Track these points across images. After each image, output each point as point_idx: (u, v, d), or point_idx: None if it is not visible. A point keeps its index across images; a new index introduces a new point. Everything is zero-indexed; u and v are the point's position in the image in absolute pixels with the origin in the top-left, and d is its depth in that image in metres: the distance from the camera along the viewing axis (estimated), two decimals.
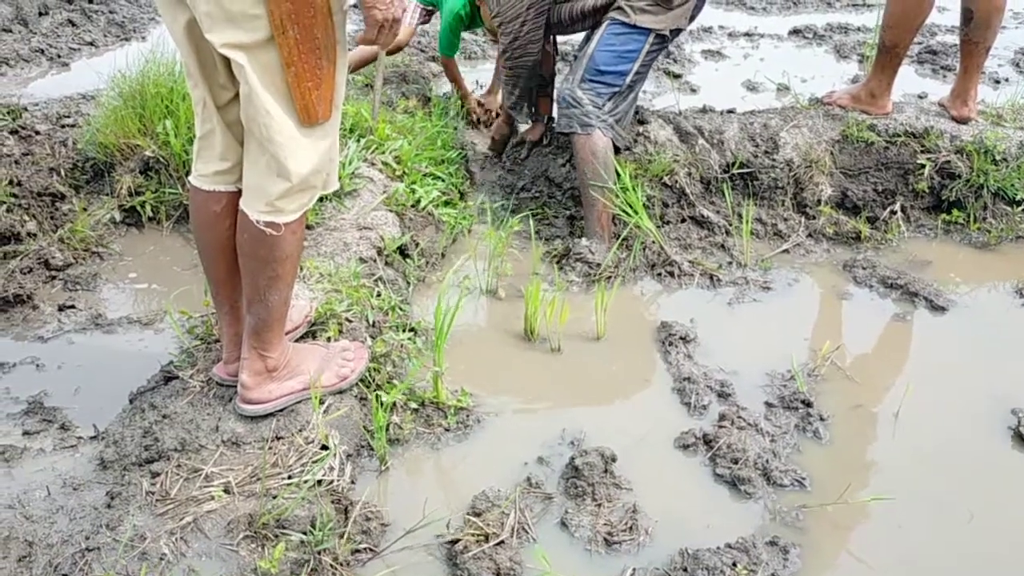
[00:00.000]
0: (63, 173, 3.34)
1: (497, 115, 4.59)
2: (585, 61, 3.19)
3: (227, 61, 1.82)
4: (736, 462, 2.22)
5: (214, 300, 2.18)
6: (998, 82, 4.97)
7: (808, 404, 2.44)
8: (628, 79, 3.19)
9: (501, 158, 3.95)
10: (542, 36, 3.42)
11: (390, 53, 4.48)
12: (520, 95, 3.64)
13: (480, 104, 4.57)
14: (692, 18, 3.28)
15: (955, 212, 3.41)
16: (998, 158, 3.38)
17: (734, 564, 1.88)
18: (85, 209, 3.24)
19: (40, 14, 5.64)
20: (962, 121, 3.54)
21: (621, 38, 3.15)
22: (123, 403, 2.31)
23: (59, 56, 5.11)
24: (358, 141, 3.41)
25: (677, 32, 3.28)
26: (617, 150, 3.29)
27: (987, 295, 3.08)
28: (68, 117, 3.79)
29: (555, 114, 3.54)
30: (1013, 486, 2.23)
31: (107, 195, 3.32)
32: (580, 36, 3.44)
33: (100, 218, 3.23)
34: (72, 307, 2.81)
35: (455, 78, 4.55)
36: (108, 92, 3.42)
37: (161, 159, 3.24)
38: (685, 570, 1.88)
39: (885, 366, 2.73)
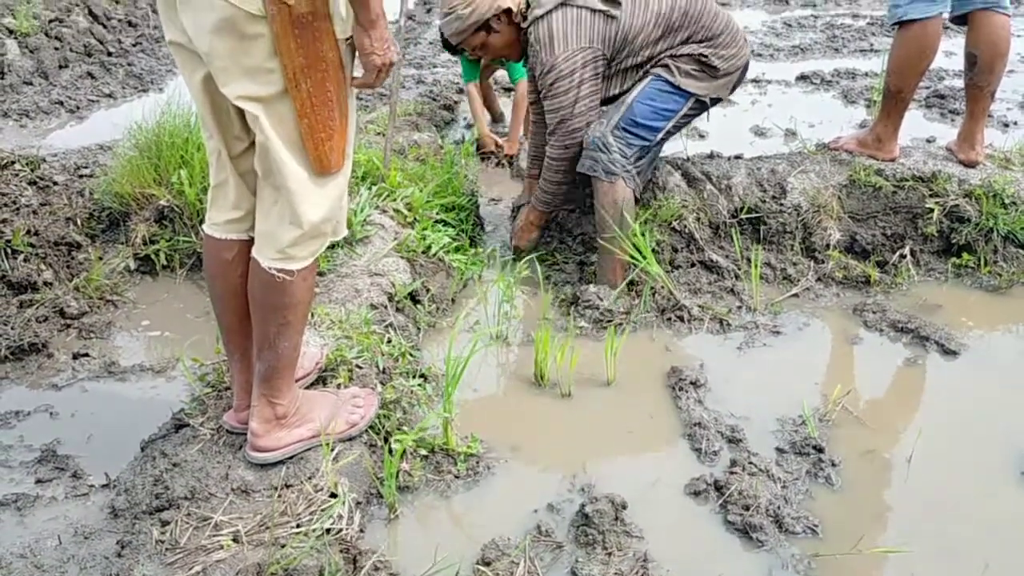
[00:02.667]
0: (79, 223, 3.40)
1: (511, 160, 4.64)
2: (623, 109, 3.16)
3: (241, 113, 1.87)
4: (747, 509, 2.20)
5: (225, 347, 2.20)
6: (1007, 126, 4.99)
7: (820, 449, 2.43)
8: (659, 136, 3.22)
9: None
10: (598, 105, 3.22)
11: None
12: (565, 184, 3.33)
13: (497, 143, 4.65)
14: (732, 89, 3.31)
15: (965, 256, 3.41)
16: (1007, 202, 3.39)
17: None
18: (100, 258, 3.29)
19: (60, 67, 5.78)
20: (970, 165, 3.55)
21: (663, 96, 3.17)
22: (135, 451, 2.32)
23: (78, 108, 5.22)
24: (370, 188, 3.46)
25: (716, 101, 3.30)
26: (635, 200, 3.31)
27: (999, 339, 3.06)
28: (85, 168, 3.86)
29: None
30: None
31: (122, 244, 3.37)
32: None
33: (115, 267, 3.27)
34: (86, 355, 2.84)
35: (474, 109, 4.67)
36: (125, 143, 3.49)
37: (176, 208, 3.30)
38: None
39: (897, 411, 2.71)
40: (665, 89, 3.18)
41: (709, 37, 3.17)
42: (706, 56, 3.16)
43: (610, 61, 3.19)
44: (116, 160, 3.51)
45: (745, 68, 3.31)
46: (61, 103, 5.20)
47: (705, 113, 3.35)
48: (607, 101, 3.31)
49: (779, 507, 2.20)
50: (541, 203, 3.42)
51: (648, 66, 3.22)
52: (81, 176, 3.75)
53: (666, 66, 3.18)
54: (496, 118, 5.22)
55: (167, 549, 1.91)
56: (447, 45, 3.43)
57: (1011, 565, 2.07)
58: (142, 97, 5.50)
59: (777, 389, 2.75)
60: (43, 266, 3.17)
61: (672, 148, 3.96)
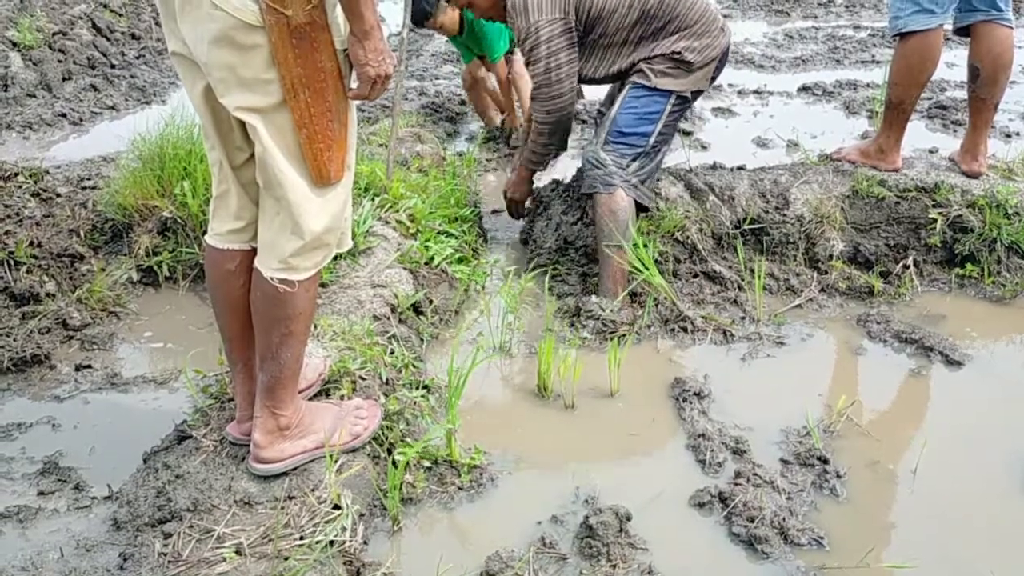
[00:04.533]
0: (82, 234, 3.40)
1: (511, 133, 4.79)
2: (608, 124, 3.26)
3: (242, 124, 1.87)
4: (752, 520, 2.19)
5: (228, 358, 2.20)
6: (1009, 136, 4.99)
7: (825, 461, 2.42)
8: (652, 140, 3.25)
9: (520, 219, 3.91)
10: (576, 72, 3.32)
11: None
12: (551, 145, 3.48)
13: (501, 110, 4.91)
14: (712, 80, 3.34)
15: (969, 266, 3.40)
16: (1010, 212, 3.38)
17: None
18: (103, 269, 3.29)
19: (63, 79, 5.79)
20: (973, 176, 3.55)
21: (642, 100, 3.22)
22: (137, 462, 2.31)
23: (81, 120, 5.23)
24: (372, 200, 3.46)
25: (699, 93, 3.36)
26: (643, 209, 3.32)
27: (1003, 349, 3.05)
28: (88, 179, 3.87)
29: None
30: None
31: (125, 255, 3.37)
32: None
33: (118, 278, 3.27)
34: (89, 367, 2.83)
35: (476, 100, 4.79)
36: (128, 155, 3.50)
37: (178, 220, 3.30)
38: None
39: (901, 421, 2.70)
40: (643, 94, 3.24)
41: (684, 27, 3.21)
42: (679, 52, 3.20)
43: (585, 35, 3.28)
44: (119, 172, 3.52)
45: (724, 55, 3.32)
46: (64, 115, 5.22)
47: (690, 109, 3.44)
48: (594, 81, 3.41)
49: (784, 519, 2.19)
50: (530, 163, 3.60)
51: (627, 72, 3.30)
52: (84, 188, 3.76)
53: (640, 71, 3.25)
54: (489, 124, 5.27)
55: (170, 561, 1.90)
56: (419, 15, 3.80)
57: None
58: (145, 109, 5.51)
59: (781, 400, 2.74)
60: (46, 277, 3.16)
61: (674, 159, 3.96)
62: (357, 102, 1.98)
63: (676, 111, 3.28)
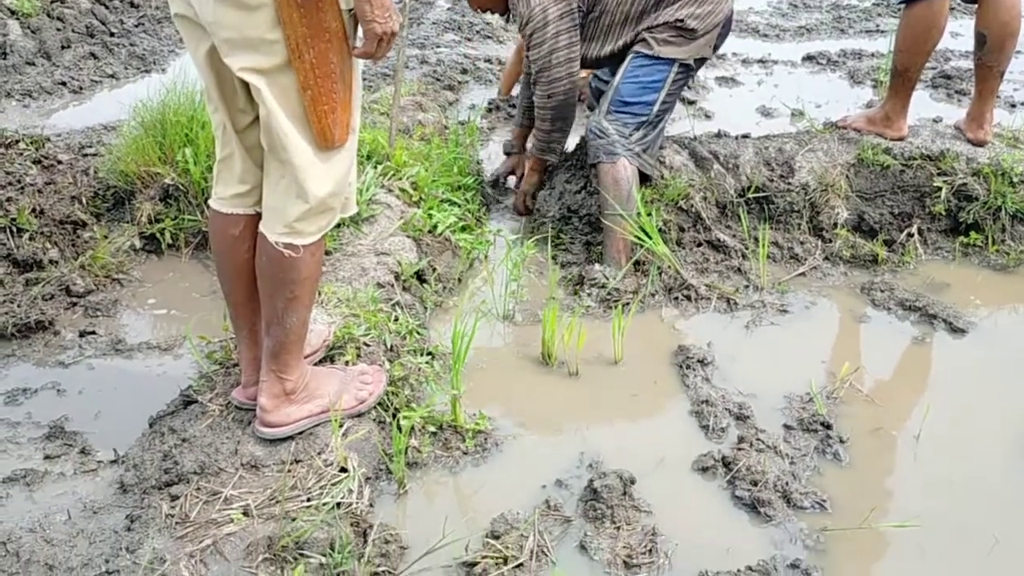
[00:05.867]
0: (84, 201, 3.38)
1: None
2: (611, 94, 3.24)
3: (246, 86, 1.86)
4: (755, 484, 2.20)
5: (233, 324, 2.20)
6: (1014, 106, 4.97)
7: (828, 426, 2.43)
8: (656, 108, 3.23)
9: (528, 214, 3.71)
10: (578, 56, 3.30)
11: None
12: (555, 132, 3.43)
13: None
14: (716, 47, 3.31)
15: (973, 234, 3.40)
16: (1015, 180, 3.37)
17: None
18: (106, 236, 3.28)
19: (63, 47, 5.74)
20: (978, 144, 3.54)
21: (645, 69, 3.20)
22: (143, 427, 2.32)
23: (81, 88, 5.19)
24: (375, 167, 3.44)
25: (702, 61, 3.33)
26: (646, 179, 3.31)
27: (1007, 317, 3.06)
28: (90, 147, 3.85)
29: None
30: None
31: (127, 222, 3.36)
32: None
33: (120, 245, 3.26)
34: (93, 333, 2.83)
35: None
36: (129, 121, 3.47)
37: (181, 186, 3.28)
38: None
39: (905, 388, 2.71)
40: (646, 63, 3.21)
41: None
42: (682, 20, 3.17)
43: (586, 15, 3.27)
44: (120, 139, 3.50)
45: (727, 22, 3.29)
46: (64, 83, 5.17)
47: (692, 77, 3.44)
48: (596, 63, 3.41)
49: (787, 483, 2.21)
50: (537, 151, 3.55)
51: (630, 45, 3.27)
52: (85, 155, 3.74)
53: (643, 40, 3.23)
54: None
55: (177, 523, 1.91)
56: None
57: (1020, 541, 2.07)
58: (145, 78, 5.46)
59: (784, 367, 2.75)
60: (48, 244, 3.16)
61: (679, 128, 3.95)
62: (362, 64, 1.96)
63: (679, 79, 3.26)
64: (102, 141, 3.93)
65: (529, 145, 3.74)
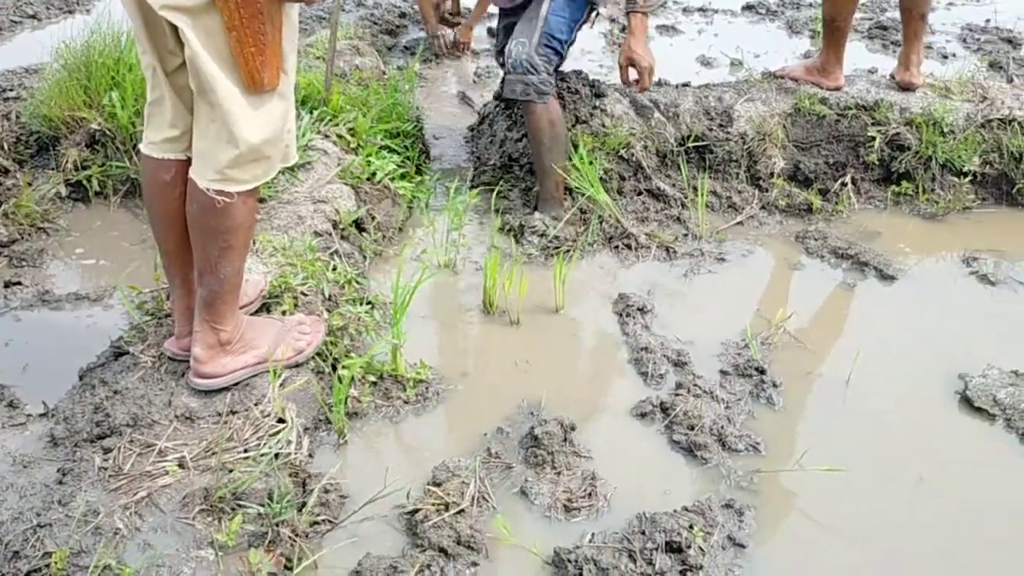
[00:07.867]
0: (6, 147, 3.25)
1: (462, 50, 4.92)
2: (540, 25, 3.10)
3: (174, 27, 1.78)
4: (692, 429, 2.24)
5: (166, 273, 2.15)
6: (946, 57, 5.05)
7: (762, 371, 2.48)
8: (567, 48, 3.21)
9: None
10: None
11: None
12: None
13: (446, 45, 4.92)
14: None
15: (904, 184, 3.47)
16: (946, 130, 3.44)
17: (691, 526, 1.90)
18: (30, 184, 3.16)
19: None
20: (906, 87, 3.59)
21: (572, 6, 3.14)
22: (73, 380, 2.27)
23: (0, 29, 4.95)
24: (311, 113, 3.36)
25: (593, 9, 3.25)
26: None
27: (935, 264, 3.14)
28: (11, 90, 3.68)
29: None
30: (960, 449, 2.29)
31: (52, 169, 3.23)
32: None
33: (45, 193, 3.15)
34: (18, 283, 2.74)
35: (422, 5, 4.91)
36: (52, 64, 3.32)
37: (107, 132, 3.16)
38: (643, 533, 1.89)
39: (836, 334, 2.78)
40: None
41: None
42: None
43: None
44: (43, 82, 3.35)
45: None
46: None
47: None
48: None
49: (723, 427, 2.25)
50: (649, 6, 3.16)
51: None
52: (6, 99, 3.57)
53: None
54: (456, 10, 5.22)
55: (110, 476, 1.87)
56: None
57: (942, 478, 2.16)
58: (68, 18, 5.22)
59: (721, 314, 2.79)
60: None
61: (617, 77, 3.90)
62: (297, 7, 1.90)
63: (584, 21, 3.24)
64: (24, 84, 3.75)
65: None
